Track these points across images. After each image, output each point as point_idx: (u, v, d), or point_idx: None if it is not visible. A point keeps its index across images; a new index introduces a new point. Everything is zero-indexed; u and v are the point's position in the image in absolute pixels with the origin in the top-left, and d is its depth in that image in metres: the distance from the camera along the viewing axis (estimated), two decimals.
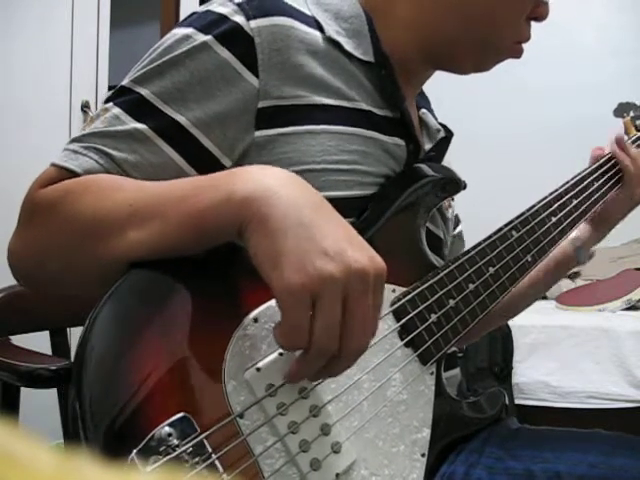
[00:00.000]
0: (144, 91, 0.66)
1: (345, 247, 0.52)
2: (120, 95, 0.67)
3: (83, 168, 0.64)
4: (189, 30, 0.67)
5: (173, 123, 0.65)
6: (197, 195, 0.57)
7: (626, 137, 1.03)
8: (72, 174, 0.64)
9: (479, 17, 0.77)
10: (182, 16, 2.75)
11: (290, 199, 0.54)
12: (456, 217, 0.99)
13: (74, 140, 0.67)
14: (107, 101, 0.68)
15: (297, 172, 0.63)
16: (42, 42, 2.35)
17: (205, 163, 0.66)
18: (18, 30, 2.29)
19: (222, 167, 0.67)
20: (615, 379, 1.92)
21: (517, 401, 2.04)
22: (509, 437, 0.78)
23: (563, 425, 0.82)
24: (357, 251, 0.53)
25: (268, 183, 0.55)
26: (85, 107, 2.42)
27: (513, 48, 0.81)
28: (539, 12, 0.80)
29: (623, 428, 0.81)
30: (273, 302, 0.60)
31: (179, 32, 0.68)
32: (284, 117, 0.69)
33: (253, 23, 0.67)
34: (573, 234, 0.98)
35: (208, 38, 0.66)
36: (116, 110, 0.66)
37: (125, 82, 0.68)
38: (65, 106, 2.42)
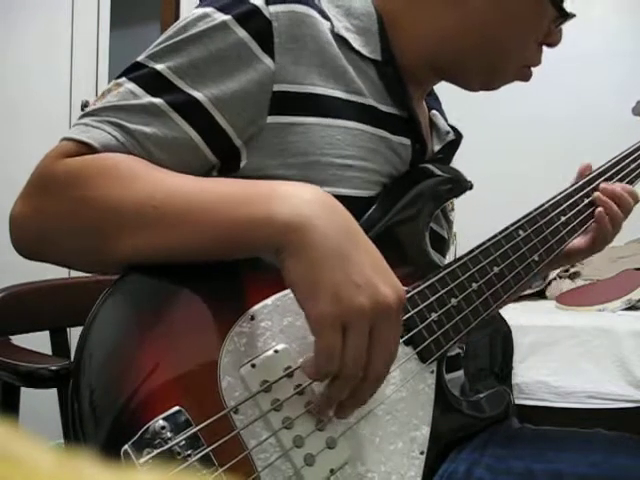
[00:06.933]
0: (159, 66, 0.66)
1: (376, 281, 0.56)
2: (134, 70, 0.66)
3: (99, 142, 0.62)
4: (208, 9, 0.68)
5: (189, 99, 0.65)
6: (231, 207, 0.57)
7: None
8: (88, 147, 0.62)
9: (494, 39, 0.77)
10: (182, 16, 2.74)
11: (325, 228, 0.56)
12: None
13: (86, 114, 0.65)
14: (119, 77, 0.67)
15: (304, 163, 0.63)
16: (42, 42, 2.35)
17: (219, 142, 0.66)
18: (19, 31, 2.29)
19: (234, 147, 0.67)
20: (615, 379, 1.92)
21: (517, 401, 2.04)
22: (511, 436, 0.77)
23: (563, 425, 0.81)
24: (385, 285, 0.57)
25: (305, 211, 0.57)
26: (85, 107, 2.42)
27: (522, 72, 0.82)
28: (552, 39, 0.81)
29: (623, 428, 0.81)
30: (270, 300, 0.61)
31: (198, 11, 0.68)
32: (297, 105, 0.69)
33: (272, 8, 0.68)
34: None
35: (227, 17, 0.67)
36: (130, 85, 0.65)
37: (140, 58, 0.67)
38: (65, 106, 2.41)
